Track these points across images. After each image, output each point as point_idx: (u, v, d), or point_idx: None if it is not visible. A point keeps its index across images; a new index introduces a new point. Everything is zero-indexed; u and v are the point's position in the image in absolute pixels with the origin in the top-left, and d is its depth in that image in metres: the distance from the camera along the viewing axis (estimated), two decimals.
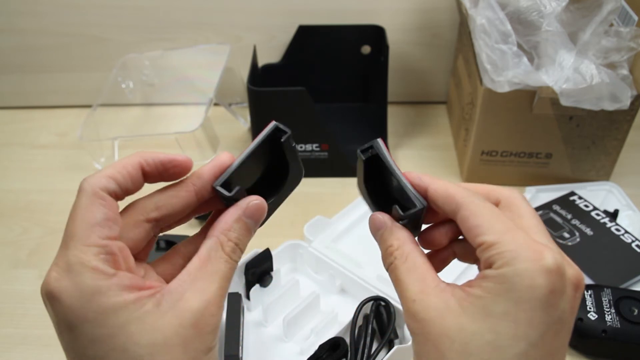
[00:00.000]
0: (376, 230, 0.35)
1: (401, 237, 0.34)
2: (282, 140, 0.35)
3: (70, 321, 0.29)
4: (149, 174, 0.33)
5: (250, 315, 0.63)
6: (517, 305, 0.27)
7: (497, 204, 0.33)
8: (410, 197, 0.34)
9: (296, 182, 0.38)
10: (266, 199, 0.35)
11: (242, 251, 0.33)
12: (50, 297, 0.29)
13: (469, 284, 0.30)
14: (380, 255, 0.35)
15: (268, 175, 0.37)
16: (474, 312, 0.28)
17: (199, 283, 0.31)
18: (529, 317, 0.27)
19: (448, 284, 0.31)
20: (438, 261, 0.36)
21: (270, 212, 0.36)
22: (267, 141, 0.35)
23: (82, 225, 0.30)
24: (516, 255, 0.28)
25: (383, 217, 0.35)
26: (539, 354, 0.27)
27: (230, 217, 0.33)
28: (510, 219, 0.31)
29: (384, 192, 0.37)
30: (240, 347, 0.56)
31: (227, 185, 0.33)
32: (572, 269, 0.29)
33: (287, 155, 0.36)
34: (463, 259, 0.36)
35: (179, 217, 0.35)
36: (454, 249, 0.36)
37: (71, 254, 0.29)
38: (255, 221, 0.34)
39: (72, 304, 0.29)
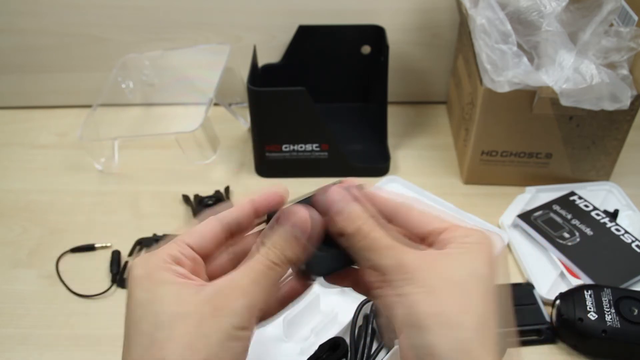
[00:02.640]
0: (338, 201, 0.36)
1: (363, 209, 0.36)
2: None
3: (131, 286, 0.33)
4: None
5: None
6: (480, 253, 0.34)
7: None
8: None
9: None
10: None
11: (288, 259, 0.34)
12: (129, 270, 0.35)
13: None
14: None
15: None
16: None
17: (233, 273, 0.33)
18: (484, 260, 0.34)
19: None
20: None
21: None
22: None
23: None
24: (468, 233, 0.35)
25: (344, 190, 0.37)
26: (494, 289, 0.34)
27: (275, 225, 0.35)
28: None
29: None
30: None
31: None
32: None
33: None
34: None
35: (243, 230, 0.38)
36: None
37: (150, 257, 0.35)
38: (302, 230, 0.34)
39: (137, 274, 0.34)
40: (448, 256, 0.34)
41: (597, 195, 0.78)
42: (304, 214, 0.35)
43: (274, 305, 0.38)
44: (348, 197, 0.36)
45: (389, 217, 0.37)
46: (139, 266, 0.34)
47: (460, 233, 0.35)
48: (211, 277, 0.36)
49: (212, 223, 0.36)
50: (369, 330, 0.56)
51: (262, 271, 0.34)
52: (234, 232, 0.37)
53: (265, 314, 0.37)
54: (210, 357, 0.31)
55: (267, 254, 0.34)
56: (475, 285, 0.33)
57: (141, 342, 0.32)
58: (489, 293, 0.33)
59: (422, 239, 0.36)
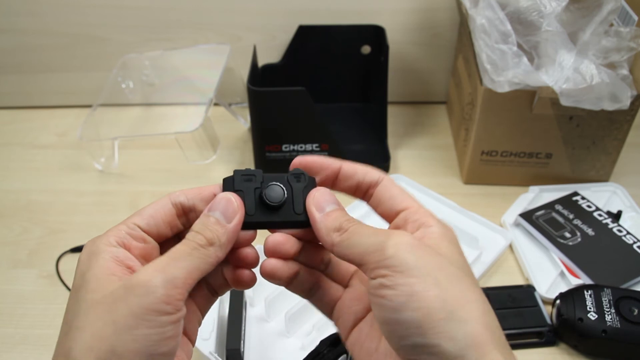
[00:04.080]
0: (328, 204, 0.35)
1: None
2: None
3: (76, 269, 0.33)
4: None
5: (253, 311, 0.63)
6: (452, 244, 0.33)
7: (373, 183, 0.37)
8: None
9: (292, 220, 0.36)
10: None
11: (207, 239, 0.32)
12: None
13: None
14: None
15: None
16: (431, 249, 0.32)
17: (157, 258, 0.32)
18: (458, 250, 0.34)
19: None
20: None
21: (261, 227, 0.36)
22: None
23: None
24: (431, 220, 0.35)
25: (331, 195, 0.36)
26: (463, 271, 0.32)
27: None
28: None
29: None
30: (242, 342, 0.57)
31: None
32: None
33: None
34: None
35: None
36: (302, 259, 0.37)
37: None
38: (221, 212, 0.33)
39: (80, 257, 0.33)
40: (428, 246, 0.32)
41: (601, 196, 0.78)
42: (224, 197, 0.34)
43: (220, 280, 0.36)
44: (329, 197, 0.35)
45: (368, 188, 0.36)
46: (85, 249, 0.33)
47: (419, 217, 0.34)
48: None
49: (163, 201, 0.35)
50: None
51: (184, 251, 0.31)
52: (187, 212, 0.35)
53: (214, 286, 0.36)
54: (117, 346, 0.28)
55: (191, 236, 0.32)
56: (464, 273, 0.31)
57: (62, 330, 0.30)
58: (475, 280, 0.32)
59: (393, 216, 0.35)
